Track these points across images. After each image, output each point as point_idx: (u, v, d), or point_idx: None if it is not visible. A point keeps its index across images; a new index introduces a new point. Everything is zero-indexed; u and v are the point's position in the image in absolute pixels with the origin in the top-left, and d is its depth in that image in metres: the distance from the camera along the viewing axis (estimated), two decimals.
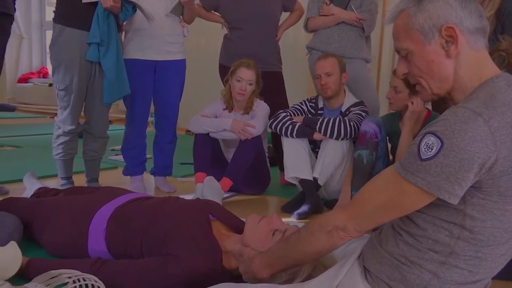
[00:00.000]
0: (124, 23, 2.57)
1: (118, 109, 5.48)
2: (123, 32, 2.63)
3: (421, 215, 0.99)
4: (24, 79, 7.89)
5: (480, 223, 0.95)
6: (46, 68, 7.96)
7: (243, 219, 1.61)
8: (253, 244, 1.34)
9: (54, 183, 2.58)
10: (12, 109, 7.30)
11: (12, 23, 2.47)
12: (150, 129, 2.77)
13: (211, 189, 2.36)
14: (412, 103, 2.20)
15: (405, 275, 1.00)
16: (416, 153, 0.92)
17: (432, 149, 0.90)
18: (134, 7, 2.41)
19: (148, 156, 2.85)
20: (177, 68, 2.68)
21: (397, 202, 0.97)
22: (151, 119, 2.74)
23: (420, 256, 1.00)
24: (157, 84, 2.65)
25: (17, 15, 7.34)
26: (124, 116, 2.79)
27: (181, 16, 2.65)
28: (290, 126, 2.48)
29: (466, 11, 0.96)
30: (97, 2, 2.29)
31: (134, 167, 2.74)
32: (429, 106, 2.46)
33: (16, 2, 2.62)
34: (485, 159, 0.87)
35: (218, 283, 1.26)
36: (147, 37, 2.56)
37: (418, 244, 1.00)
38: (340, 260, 1.19)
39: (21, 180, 2.44)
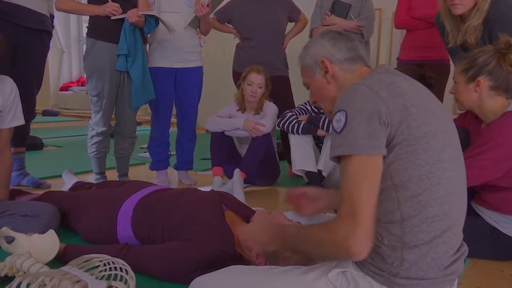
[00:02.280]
0: (148, 36, 2.58)
1: (147, 112, 5.51)
2: (148, 44, 2.63)
3: None
4: (65, 88, 7.99)
5: (403, 171, 0.95)
6: (84, 78, 8.04)
7: (257, 209, 1.59)
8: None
9: (90, 178, 2.60)
10: (55, 114, 7.40)
11: (51, 39, 2.50)
12: (174, 129, 2.77)
13: (239, 180, 2.38)
14: None
15: (382, 254, 0.98)
16: (334, 132, 0.99)
17: (341, 121, 0.97)
18: (157, 20, 2.41)
19: (172, 153, 2.85)
20: (195, 74, 2.67)
21: (355, 179, 0.94)
22: (174, 120, 2.76)
23: (383, 233, 0.98)
24: (178, 89, 2.65)
25: (58, 32, 7.46)
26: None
27: (198, 29, 2.65)
28: (296, 124, 2.46)
29: (336, 48, 1.15)
30: (124, 18, 2.30)
31: (159, 163, 2.75)
32: None
33: (54, 20, 2.65)
34: (379, 111, 0.95)
35: (231, 265, 1.25)
36: (168, 48, 2.56)
37: (377, 224, 0.97)
38: None
39: (61, 176, 2.47)
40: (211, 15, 2.72)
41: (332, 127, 0.99)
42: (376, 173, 0.95)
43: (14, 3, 2.17)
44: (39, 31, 2.32)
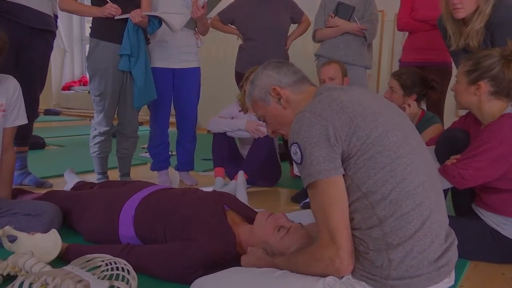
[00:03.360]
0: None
1: (148, 112, 5.51)
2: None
3: None
4: (67, 87, 8.02)
5: (367, 178, 1.00)
6: (86, 77, 8.07)
7: (259, 210, 1.60)
8: (260, 238, 1.32)
9: (91, 178, 2.61)
10: (57, 113, 7.42)
11: (54, 39, 2.50)
12: (174, 129, 2.78)
13: (243, 181, 2.39)
14: (409, 105, 2.19)
15: (370, 259, 1.00)
16: (296, 164, 1.06)
17: (297, 153, 1.03)
18: (160, 21, 2.42)
19: (173, 153, 2.86)
20: (192, 75, 2.68)
21: (324, 205, 1.00)
22: (174, 120, 2.77)
23: (367, 240, 1.00)
24: (176, 89, 2.66)
25: (61, 31, 7.48)
26: None
27: (195, 29, 2.65)
28: None
29: (282, 74, 1.22)
30: (127, 18, 2.30)
31: (159, 163, 2.75)
32: (424, 106, 2.42)
33: (57, 20, 2.66)
34: (327, 133, 1.00)
35: (232, 266, 1.26)
36: (166, 48, 2.57)
37: (359, 232, 1.01)
38: None
39: (63, 175, 2.47)
40: (211, 15, 2.72)
41: (293, 159, 1.05)
42: (340, 193, 1.00)
43: (18, 3, 2.18)
44: (43, 31, 2.33)
